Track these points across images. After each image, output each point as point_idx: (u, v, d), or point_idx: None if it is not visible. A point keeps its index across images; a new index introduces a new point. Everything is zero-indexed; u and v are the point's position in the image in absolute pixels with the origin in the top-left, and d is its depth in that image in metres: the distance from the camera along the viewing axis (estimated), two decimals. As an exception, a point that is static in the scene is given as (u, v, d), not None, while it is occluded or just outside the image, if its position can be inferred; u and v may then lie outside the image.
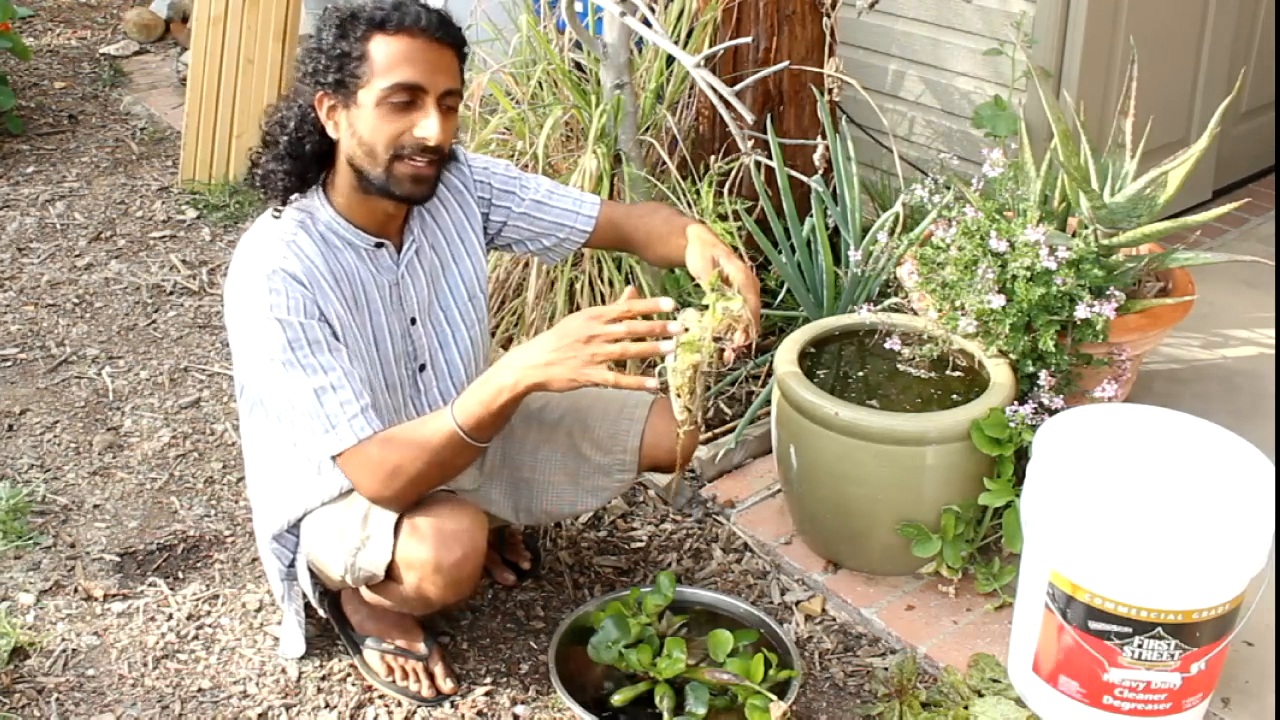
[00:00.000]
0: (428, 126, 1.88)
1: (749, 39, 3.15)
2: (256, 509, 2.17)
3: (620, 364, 1.94)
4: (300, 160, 1.95)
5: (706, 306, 1.91)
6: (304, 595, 2.21)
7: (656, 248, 2.19)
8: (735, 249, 2.14)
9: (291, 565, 2.16)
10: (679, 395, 1.89)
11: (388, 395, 2.06)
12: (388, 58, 1.85)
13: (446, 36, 1.89)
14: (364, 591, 2.08)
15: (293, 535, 2.14)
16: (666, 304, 1.78)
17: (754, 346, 1.98)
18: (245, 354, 1.93)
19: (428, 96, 1.87)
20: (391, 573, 1.97)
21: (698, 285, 2.99)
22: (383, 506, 1.94)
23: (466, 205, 2.16)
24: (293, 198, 1.97)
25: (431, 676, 2.19)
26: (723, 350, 1.90)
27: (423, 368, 2.12)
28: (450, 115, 1.93)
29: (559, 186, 2.24)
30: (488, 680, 2.23)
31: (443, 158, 1.95)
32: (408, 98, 1.87)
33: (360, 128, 1.89)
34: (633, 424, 2.22)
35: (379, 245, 2.02)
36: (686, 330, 1.88)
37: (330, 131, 1.93)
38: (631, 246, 2.26)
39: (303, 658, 2.27)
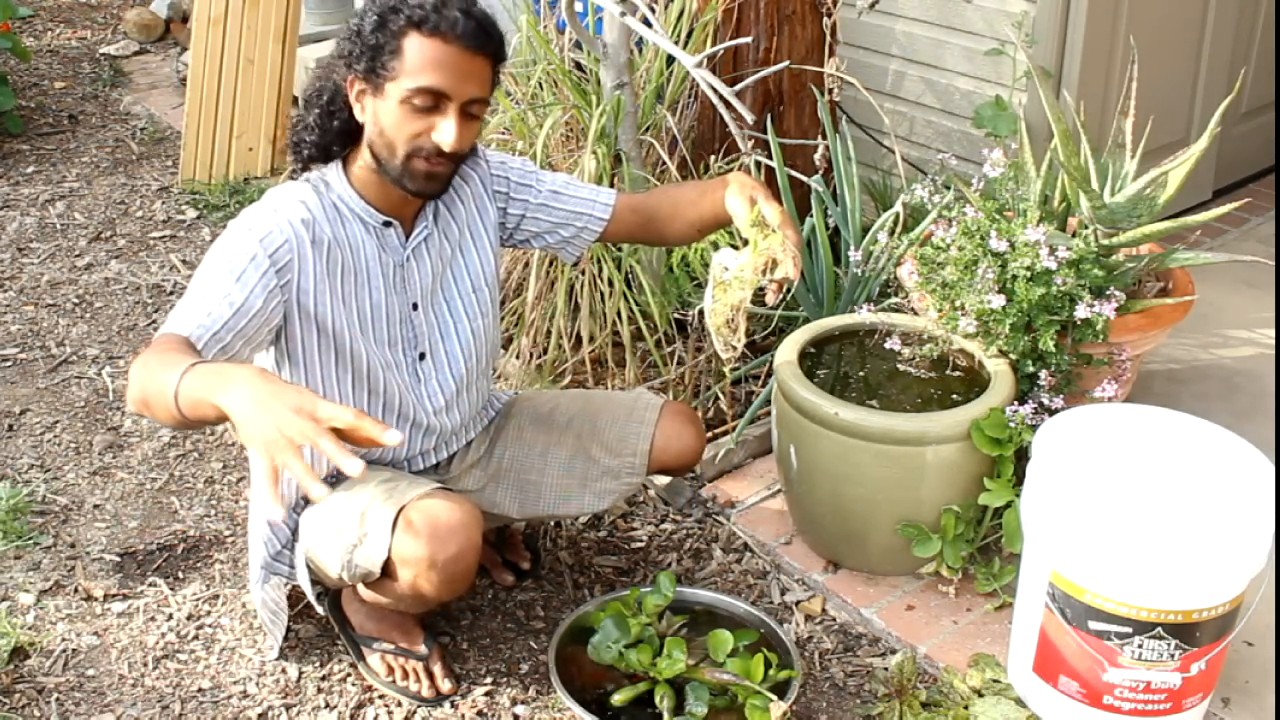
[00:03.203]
0: (446, 132, 1.89)
1: (749, 39, 3.15)
2: (253, 494, 2.17)
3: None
4: (327, 133, 2.01)
5: (743, 244, 1.93)
6: (283, 592, 2.22)
7: (687, 213, 2.19)
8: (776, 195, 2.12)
9: (275, 557, 2.16)
10: (719, 334, 1.91)
11: (388, 376, 2.08)
12: (419, 59, 1.87)
13: (481, 47, 1.90)
14: (361, 589, 2.08)
15: (285, 525, 2.15)
16: (393, 437, 1.57)
17: (794, 286, 1.98)
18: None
19: (451, 103, 1.89)
20: (388, 570, 1.98)
21: (698, 284, 3.00)
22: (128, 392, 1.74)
23: (481, 200, 2.17)
24: (312, 169, 2.03)
25: (431, 676, 2.19)
26: (763, 290, 1.92)
27: (422, 356, 2.13)
28: (473, 122, 1.95)
29: (575, 180, 2.26)
30: (488, 680, 2.23)
31: (459, 159, 1.97)
32: (432, 102, 1.89)
33: (383, 120, 1.92)
34: (643, 427, 2.23)
35: (387, 224, 2.04)
36: (726, 269, 1.90)
37: (357, 114, 1.97)
38: (656, 223, 2.25)
39: (303, 657, 2.27)
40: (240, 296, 1.85)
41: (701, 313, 1.94)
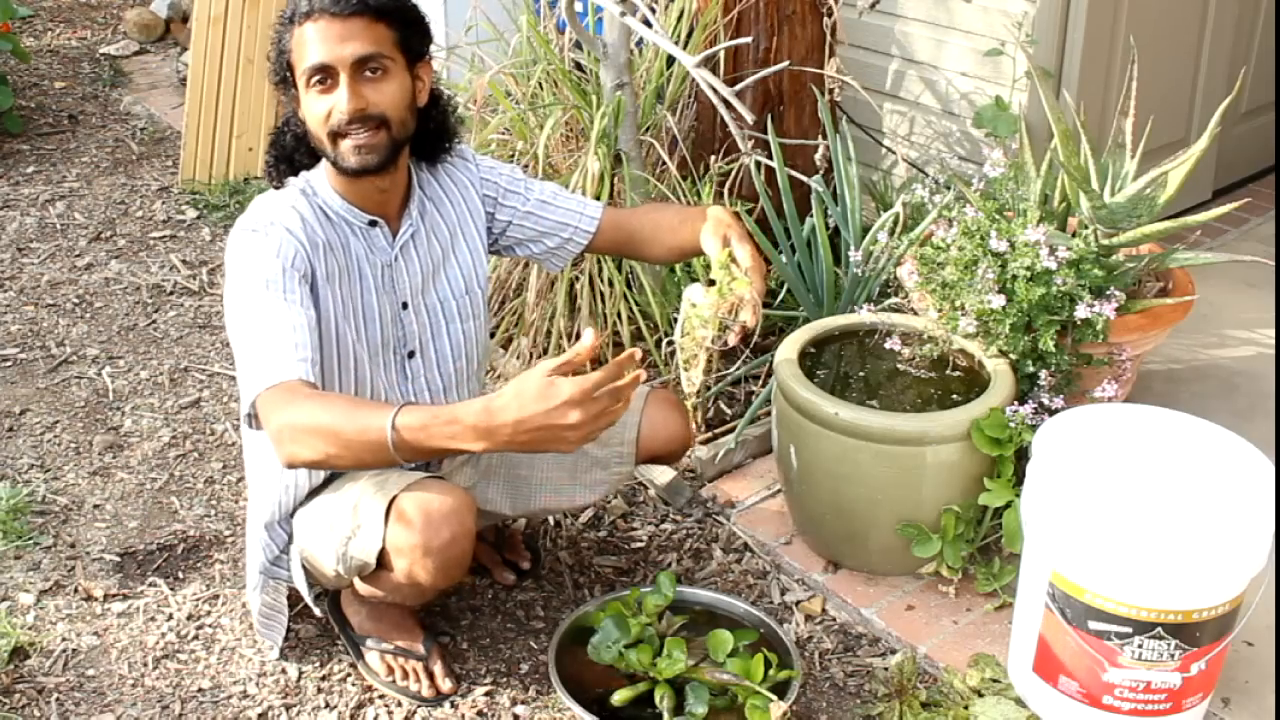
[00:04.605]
0: (337, 101, 1.92)
1: (749, 39, 3.15)
2: (251, 496, 2.18)
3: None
4: (283, 148, 2.06)
5: (714, 283, 1.93)
6: (283, 593, 2.23)
7: (666, 239, 2.20)
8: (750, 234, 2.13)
9: (274, 562, 2.16)
10: (687, 368, 1.91)
11: (376, 375, 2.08)
12: (300, 47, 1.93)
13: (346, 8, 1.91)
14: (357, 583, 2.08)
15: (283, 529, 2.15)
16: (637, 354, 1.69)
17: (755, 331, 1.99)
18: (226, 289, 1.96)
19: (338, 72, 1.91)
20: (383, 561, 1.98)
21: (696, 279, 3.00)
22: (281, 453, 1.81)
23: (470, 201, 2.18)
24: (284, 181, 2.06)
25: (431, 676, 2.19)
26: (726, 328, 1.91)
27: (411, 354, 2.13)
28: (377, 79, 1.94)
29: (563, 189, 2.26)
30: (488, 680, 2.23)
31: (387, 124, 1.95)
32: (323, 79, 1.92)
33: (304, 116, 1.98)
34: (629, 416, 2.23)
35: (373, 224, 2.05)
36: (694, 305, 1.90)
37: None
38: (636, 243, 2.26)
39: (303, 658, 2.27)
40: (304, 316, 1.89)
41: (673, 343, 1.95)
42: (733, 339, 1.95)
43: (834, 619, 2.36)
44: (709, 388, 2.86)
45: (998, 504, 2.24)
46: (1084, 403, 2.21)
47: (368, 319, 2.06)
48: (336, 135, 1.94)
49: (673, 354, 3.00)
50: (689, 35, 3.19)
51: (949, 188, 2.65)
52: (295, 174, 2.06)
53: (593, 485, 2.26)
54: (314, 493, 2.11)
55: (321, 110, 1.93)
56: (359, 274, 2.04)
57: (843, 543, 2.40)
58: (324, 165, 2.04)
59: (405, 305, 2.11)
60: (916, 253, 2.48)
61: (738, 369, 2.89)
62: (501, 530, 2.51)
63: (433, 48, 2.08)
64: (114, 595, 2.44)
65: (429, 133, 2.09)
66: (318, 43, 1.90)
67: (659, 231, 2.22)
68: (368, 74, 1.93)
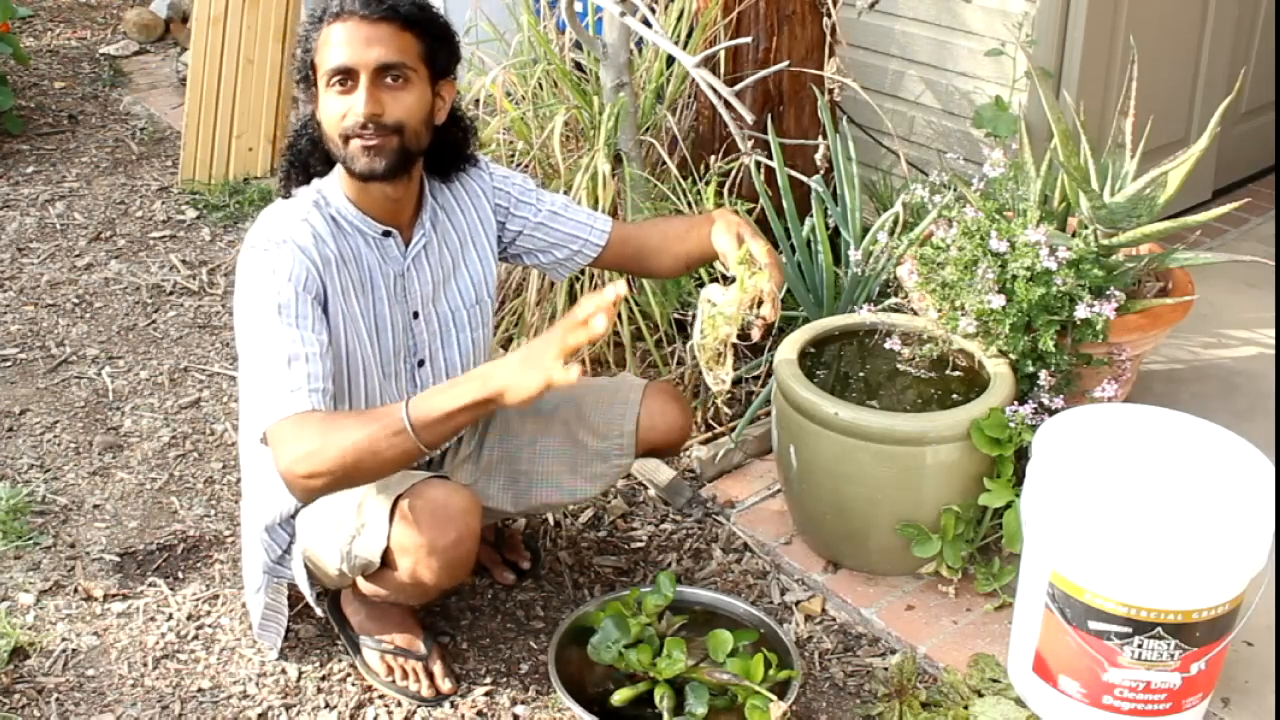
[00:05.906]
0: (354, 104, 1.92)
1: (749, 39, 3.15)
2: (248, 498, 2.18)
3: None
4: (299, 151, 2.06)
5: (731, 280, 1.95)
6: (284, 594, 2.23)
7: (675, 247, 2.22)
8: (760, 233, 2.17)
9: (278, 561, 2.16)
10: (709, 367, 1.93)
11: (386, 385, 2.08)
12: (327, 46, 1.93)
13: (382, 14, 1.91)
14: (360, 582, 2.08)
15: (284, 531, 2.15)
16: (618, 289, 1.76)
17: (775, 324, 2.00)
18: (238, 310, 1.96)
19: (360, 75, 1.91)
20: (387, 560, 1.98)
21: (699, 284, 3.00)
22: (295, 485, 1.82)
23: (482, 210, 2.18)
24: (298, 189, 2.06)
25: (431, 676, 2.19)
26: (750, 326, 1.94)
27: (421, 363, 2.14)
28: (397, 87, 1.93)
29: (573, 203, 2.28)
30: (488, 680, 2.23)
31: (400, 132, 1.95)
32: (344, 81, 1.92)
33: (320, 116, 1.98)
34: (628, 407, 2.24)
35: (386, 234, 2.05)
36: (714, 305, 1.92)
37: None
38: (645, 255, 2.28)
39: (303, 658, 2.27)
40: (316, 343, 1.89)
41: (693, 347, 1.97)
42: (756, 333, 1.96)
43: (834, 619, 2.36)
44: (737, 382, 2.86)
45: (998, 504, 2.24)
46: (1084, 403, 2.21)
47: (380, 329, 2.06)
48: (347, 137, 1.93)
49: (673, 353, 3.00)
50: (689, 35, 3.19)
51: (949, 188, 2.65)
52: (308, 181, 2.05)
53: (593, 478, 2.26)
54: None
55: (338, 111, 1.93)
56: (372, 285, 2.04)
57: (843, 543, 2.40)
58: (338, 172, 2.03)
59: (416, 314, 2.11)
60: (916, 253, 2.48)
61: (737, 369, 2.89)
62: (501, 530, 2.51)
63: None
64: (114, 595, 2.44)
65: (444, 149, 2.08)
66: (343, 44, 1.90)
67: (667, 241, 2.23)
68: (388, 81, 1.92)
